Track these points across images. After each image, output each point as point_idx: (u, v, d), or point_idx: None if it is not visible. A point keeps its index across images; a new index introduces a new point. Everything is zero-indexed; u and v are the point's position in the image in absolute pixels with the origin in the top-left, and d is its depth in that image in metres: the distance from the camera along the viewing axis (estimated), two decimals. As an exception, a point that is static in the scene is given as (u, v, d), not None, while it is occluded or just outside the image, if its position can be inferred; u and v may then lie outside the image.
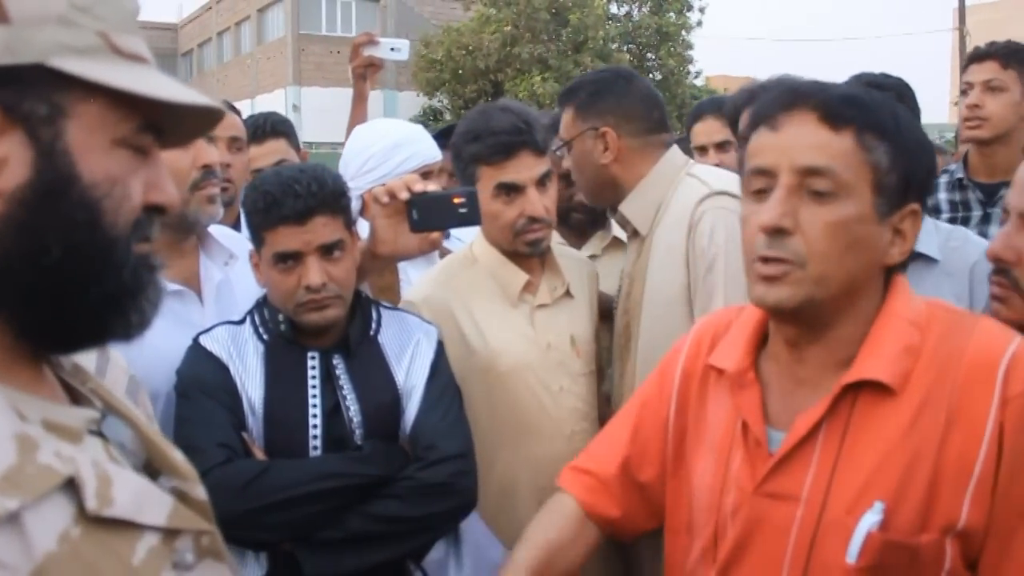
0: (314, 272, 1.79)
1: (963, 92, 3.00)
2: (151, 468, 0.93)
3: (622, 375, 2.20)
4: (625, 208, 2.22)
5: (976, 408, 1.17)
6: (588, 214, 2.89)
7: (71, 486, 0.77)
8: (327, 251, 1.81)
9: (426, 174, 2.45)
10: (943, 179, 3.06)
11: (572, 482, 1.58)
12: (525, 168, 2.09)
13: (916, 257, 2.10)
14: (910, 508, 1.17)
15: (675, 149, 2.26)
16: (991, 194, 2.89)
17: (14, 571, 0.71)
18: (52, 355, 0.90)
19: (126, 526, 0.81)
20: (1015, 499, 1.16)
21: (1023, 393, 1.16)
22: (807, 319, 1.27)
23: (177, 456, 0.97)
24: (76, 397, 0.92)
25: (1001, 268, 1.61)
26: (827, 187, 1.20)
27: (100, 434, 0.88)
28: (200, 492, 0.95)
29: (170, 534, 0.86)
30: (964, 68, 3.07)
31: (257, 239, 1.85)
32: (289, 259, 1.80)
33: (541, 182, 2.12)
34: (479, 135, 2.11)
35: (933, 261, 2.15)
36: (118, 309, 0.85)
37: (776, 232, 1.22)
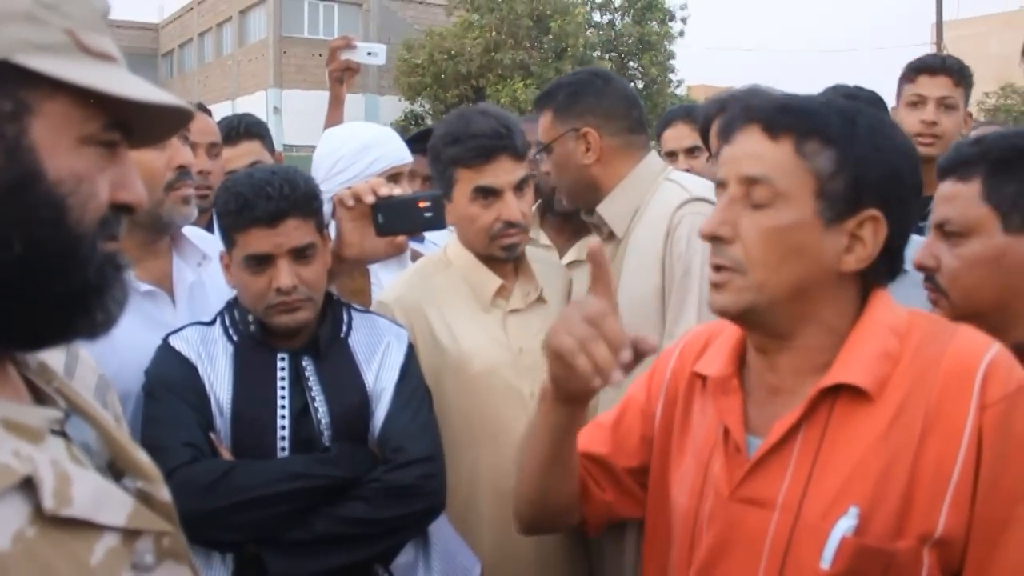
0: (285, 275, 1.79)
1: (912, 104, 2.93)
2: (115, 469, 0.93)
3: None
4: (603, 209, 2.22)
5: (954, 414, 1.18)
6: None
7: (28, 486, 0.77)
8: (298, 254, 1.81)
9: (395, 176, 2.47)
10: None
11: None
12: (504, 172, 2.10)
13: None
14: (886, 514, 1.17)
15: (653, 153, 2.28)
16: (924, 207, 2.90)
17: None
18: (15, 353, 0.90)
19: (85, 526, 0.81)
20: (995, 507, 1.16)
21: (1002, 399, 1.17)
22: (763, 325, 1.29)
23: (142, 457, 0.96)
24: (40, 396, 0.91)
25: (928, 276, 1.68)
26: (764, 196, 1.24)
27: (63, 434, 0.87)
28: (164, 494, 0.95)
29: (130, 535, 0.85)
30: (910, 77, 2.98)
31: (228, 240, 1.84)
32: (260, 261, 1.80)
33: (519, 187, 2.13)
34: (458, 138, 2.11)
35: (904, 272, 2.18)
36: (83, 307, 0.85)
37: (714, 239, 1.27)
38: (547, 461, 1.42)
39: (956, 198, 1.62)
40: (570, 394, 1.30)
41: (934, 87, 2.89)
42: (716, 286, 1.28)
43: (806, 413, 1.24)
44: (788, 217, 1.23)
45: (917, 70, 2.95)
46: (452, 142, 2.12)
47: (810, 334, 1.27)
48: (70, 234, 0.82)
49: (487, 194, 2.10)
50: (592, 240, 1.39)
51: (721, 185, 1.30)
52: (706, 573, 1.30)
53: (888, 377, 1.22)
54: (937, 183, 1.70)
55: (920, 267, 1.68)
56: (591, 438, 1.54)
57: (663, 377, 1.52)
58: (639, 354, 1.22)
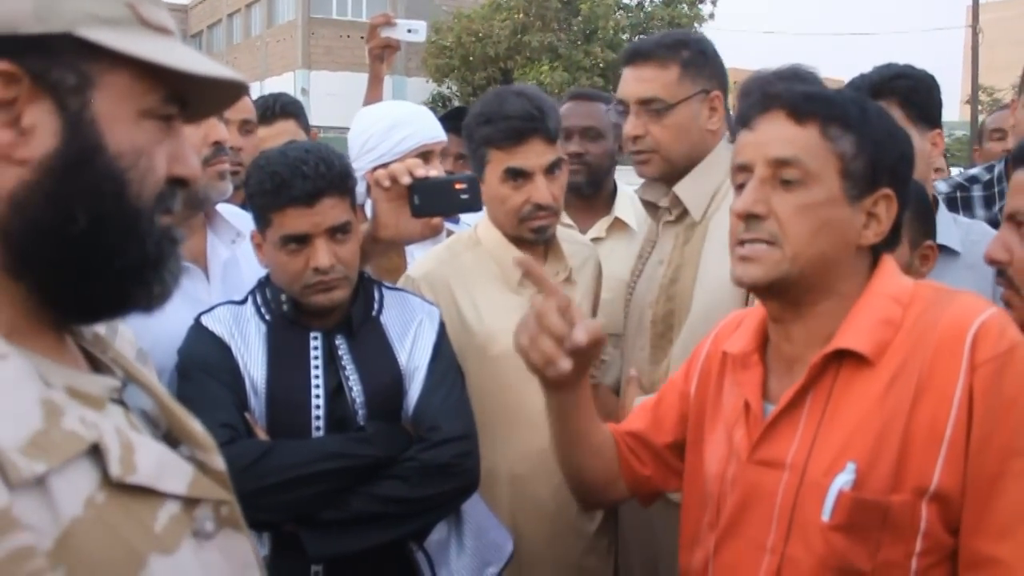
0: (323, 254, 1.78)
1: None
2: (170, 437, 0.94)
3: (657, 362, 2.13)
4: (680, 190, 2.14)
5: (946, 375, 1.24)
6: (584, 166, 2.87)
7: (95, 452, 0.78)
8: (334, 233, 1.80)
9: (426, 154, 2.45)
10: (977, 193, 2.82)
11: (614, 430, 1.66)
12: (535, 155, 2.08)
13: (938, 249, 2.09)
14: (882, 469, 1.25)
15: (726, 137, 2.16)
16: None
17: (41, 534, 0.71)
18: (74, 324, 0.91)
19: (148, 493, 0.82)
20: (988, 462, 1.22)
21: (992, 359, 1.23)
22: (785, 295, 1.37)
23: (196, 426, 0.97)
24: (97, 366, 0.92)
25: (1000, 270, 1.67)
26: (795, 175, 1.32)
27: (121, 402, 0.89)
28: (219, 462, 0.96)
29: (190, 503, 0.86)
30: None
31: (262, 220, 1.83)
32: (298, 241, 1.79)
33: (550, 170, 2.11)
34: (491, 118, 2.09)
35: (955, 254, 2.15)
36: (141, 280, 0.86)
37: (750, 217, 1.35)
38: (564, 442, 1.58)
39: None
40: (549, 383, 1.44)
41: None
42: (746, 259, 1.36)
43: (812, 378, 1.33)
44: (819, 195, 1.32)
45: None
46: (485, 122, 2.11)
47: (823, 302, 1.36)
48: (131, 207, 0.83)
49: (517, 176, 2.09)
50: (519, 256, 1.47)
51: (742, 168, 1.38)
52: (730, 532, 1.40)
53: (889, 343, 1.30)
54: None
55: (991, 261, 1.67)
56: (634, 418, 1.67)
57: (699, 359, 1.61)
58: (594, 341, 1.36)
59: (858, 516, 1.24)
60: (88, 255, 0.82)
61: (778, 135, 1.34)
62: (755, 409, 1.39)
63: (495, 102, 2.14)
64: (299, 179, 1.76)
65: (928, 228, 1.98)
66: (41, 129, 0.78)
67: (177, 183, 0.88)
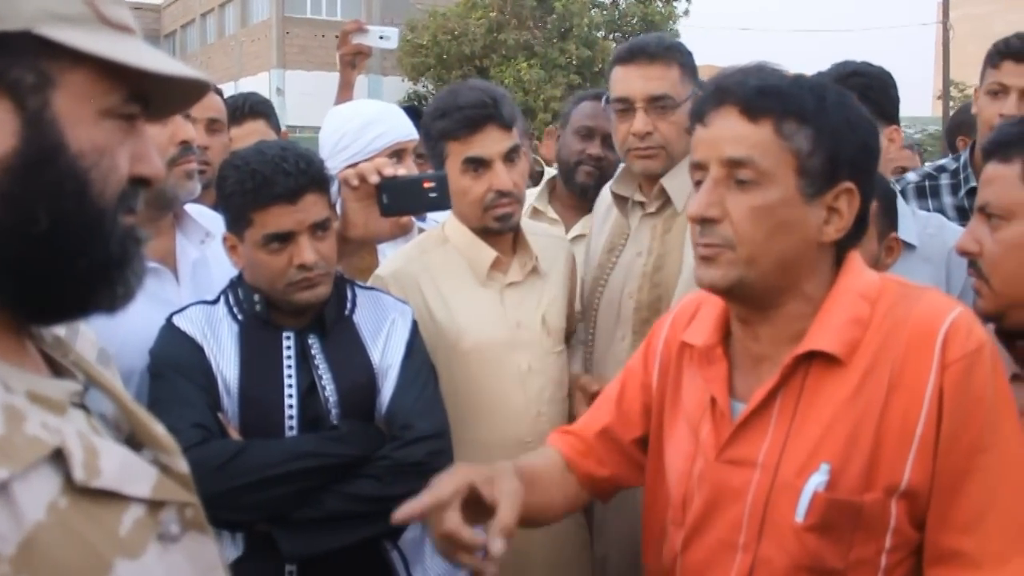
0: (308, 251, 1.78)
1: (993, 93, 2.59)
2: (133, 441, 0.93)
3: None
4: (667, 181, 2.20)
5: (916, 374, 1.25)
6: (598, 171, 2.89)
7: (58, 457, 0.77)
8: (316, 229, 1.80)
9: (399, 153, 2.48)
10: (944, 180, 2.81)
11: (556, 440, 1.65)
12: (492, 142, 2.09)
13: None
14: (854, 469, 1.25)
15: None
16: None
17: (3, 539, 0.71)
18: (35, 326, 0.90)
19: (112, 497, 0.81)
20: (956, 459, 1.23)
21: (961, 358, 1.23)
22: (748, 298, 1.34)
23: (159, 429, 0.96)
24: (58, 369, 0.92)
25: (971, 261, 1.67)
26: (749, 176, 1.29)
27: (83, 406, 0.88)
28: (182, 465, 0.95)
29: (155, 506, 0.86)
30: (993, 63, 2.60)
31: (241, 220, 1.80)
32: (282, 239, 1.78)
33: (509, 157, 2.11)
34: (446, 111, 2.11)
35: (911, 247, 2.18)
36: (105, 280, 0.85)
37: (703, 221, 1.32)
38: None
39: (996, 180, 1.62)
40: None
41: (1020, 76, 2.54)
42: (705, 259, 1.33)
43: (783, 379, 1.32)
44: (773, 195, 1.29)
45: (1002, 55, 2.60)
46: (440, 116, 2.12)
47: (790, 303, 1.34)
48: (93, 207, 0.82)
49: (477, 165, 2.09)
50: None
51: (697, 167, 1.35)
52: (697, 531, 1.39)
53: (858, 341, 1.29)
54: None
55: (962, 252, 1.68)
56: (599, 412, 1.64)
57: (656, 347, 1.59)
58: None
59: (832, 516, 1.24)
60: (50, 256, 0.81)
61: (731, 133, 1.30)
62: (722, 407, 1.38)
63: (448, 96, 2.16)
64: (281, 176, 1.75)
65: (893, 220, 2.00)
66: (0, 128, 0.77)
67: (140, 183, 0.88)
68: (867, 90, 2.24)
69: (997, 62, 2.60)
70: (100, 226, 0.83)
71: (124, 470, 0.83)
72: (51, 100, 0.79)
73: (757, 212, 1.28)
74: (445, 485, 1.28)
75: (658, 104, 2.18)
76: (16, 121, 0.78)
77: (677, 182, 2.18)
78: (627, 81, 2.22)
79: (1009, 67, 2.57)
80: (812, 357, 1.31)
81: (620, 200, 2.34)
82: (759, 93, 1.30)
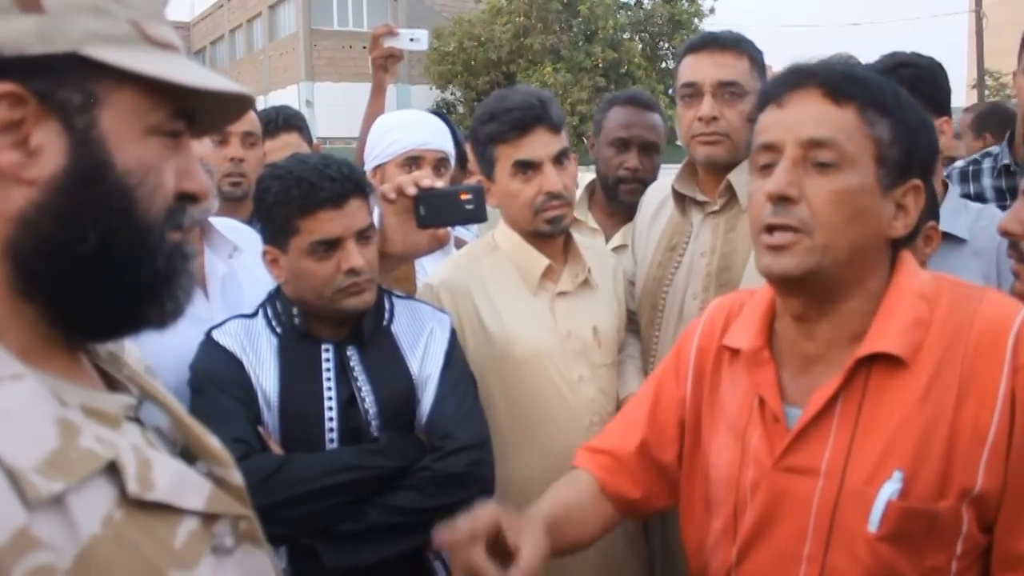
0: (356, 255, 1.78)
1: None
2: (187, 454, 0.94)
3: None
4: (735, 177, 2.19)
5: (988, 377, 1.21)
6: (640, 184, 2.85)
7: (112, 470, 0.78)
8: (361, 235, 1.81)
9: (415, 160, 2.52)
10: (986, 164, 2.84)
11: (588, 461, 1.59)
12: (541, 145, 2.09)
13: (944, 237, 2.07)
14: (928, 475, 1.21)
15: None
16: None
17: (60, 552, 0.72)
18: (88, 343, 0.91)
19: (166, 510, 0.82)
20: None
21: None
22: (814, 290, 1.29)
23: (213, 442, 0.98)
24: (112, 384, 0.93)
25: (1013, 243, 1.63)
26: (831, 158, 1.24)
27: (137, 420, 0.89)
28: (236, 477, 0.96)
29: (209, 519, 0.87)
30: None
31: (287, 229, 1.79)
32: (329, 246, 1.78)
33: (558, 159, 2.11)
34: (495, 115, 2.11)
35: (961, 241, 2.14)
36: (153, 297, 0.86)
37: (781, 200, 1.26)
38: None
39: None
40: None
41: None
42: (777, 248, 1.27)
43: (844, 382, 1.27)
44: (855, 180, 1.25)
45: None
46: (488, 120, 2.12)
47: (851, 299, 1.30)
48: (140, 224, 0.83)
49: (527, 168, 2.09)
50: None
51: (767, 148, 1.30)
52: (754, 542, 1.34)
53: (921, 343, 1.25)
54: None
55: (1004, 232, 1.64)
56: (629, 433, 1.57)
57: (688, 356, 1.54)
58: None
59: (906, 525, 1.20)
60: (99, 273, 0.82)
61: (813, 114, 1.26)
62: (775, 411, 1.33)
63: (496, 100, 2.16)
64: (327, 181, 1.76)
65: (932, 210, 1.96)
66: (48, 149, 0.78)
67: (187, 199, 0.89)
68: (917, 81, 2.20)
69: None
70: (147, 242, 0.84)
71: (178, 483, 0.84)
72: (98, 119, 0.80)
73: (838, 196, 1.24)
74: (479, 518, 1.25)
75: (727, 90, 2.17)
76: (64, 141, 0.79)
77: (744, 178, 2.14)
78: (697, 67, 2.22)
79: None
80: (873, 359, 1.26)
81: (680, 198, 2.33)
82: (845, 77, 1.27)
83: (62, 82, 0.79)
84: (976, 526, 1.22)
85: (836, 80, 1.27)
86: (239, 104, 0.92)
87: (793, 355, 1.36)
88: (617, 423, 1.64)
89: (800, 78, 1.29)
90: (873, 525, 1.21)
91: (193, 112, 0.88)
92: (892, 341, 1.25)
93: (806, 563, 1.27)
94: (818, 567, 1.26)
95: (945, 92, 2.34)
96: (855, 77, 1.28)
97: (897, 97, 1.28)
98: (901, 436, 1.22)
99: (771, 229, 1.27)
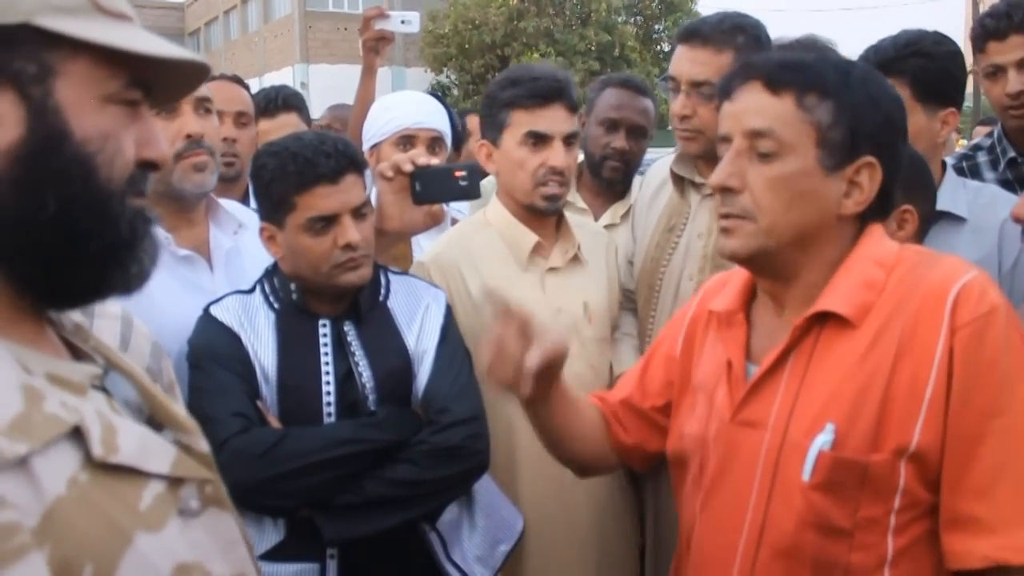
0: (352, 231, 1.80)
1: (991, 76, 2.50)
2: (154, 422, 0.96)
3: None
4: None
5: (927, 337, 1.26)
6: (624, 164, 2.92)
7: (77, 435, 0.80)
8: (357, 212, 1.83)
9: (409, 139, 2.55)
10: (981, 158, 2.75)
11: (593, 399, 1.71)
12: (557, 120, 2.11)
13: (943, 216, 2.09)
14: (861, 429, 1.26)
15: None
16: None
17: (25, 512, 0.73)
18: (54, 311, 0.92)
19: (132, 473, 0.84)
20: (968, 423, 1.24)
21: (971, 322, 1.24)
22: (769, 267, 1.38)
23: (179, 410, 0.99)
24: (78, 354, 0.94)
25: None
26: (770, 147, 1.32)
27: (103, 389, 0.90)
28: (202, 444, 0.98)
29: (175, 482, 0.88)
30: (979, 47, 2.53)
31: (283, 206, 1.81)
32: (326, 222, 1.80)
33: (568, 140, 2.14)
34: (518, 81, 2.13)
35: (961, 220, 2.14)
36: (117, 261, 0.88)
37: (724, 191, 1.36)
38: (547, 438, 1.62)
39: None
40: (520, 397, 1.46)
41: (1007, 51, 2.46)
42: (725, 231, 1.37)
43: (794, 340, 1.35)
44: (792, 166, 1.32)
45: (983, 38, 2.51)
46: (511, 84, 2.14)
47: (809, 271, 1.37)
48: (101, 191, 0.84)
49: (537, 139, 2.11)
50: (489, 287, 1.50)
51: (724, 140, 1.38)
52: (713, 493, 1.42)
53: (871, 305, 1.31)
54: None
55: (1017, 219, 1.64)
56: (622, 385, 1.70)
57: (683, 322, 1.63)
58: (551, 360, 1.40)
59: (837, 475, 1.26)
60: (61, 240, 0.83)
61: (753, 105, 1.34)
62: (737, 369, 1.41)
63: (522, 69, 2.20)
64: (323, 157, 1.78)
65: (911, 193, 1.95)
66: (5, 119, 0.80)
67: (148, 166, 0.90)
68: (923, 72, 2.17)
69: (982, 46, 2.55)
70: (108, 209, 0.85)
71: (143, 447, 0.86)
72: (53, 89, 0.82)
73: (776, 183, 1.32)
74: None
75: (700, 89, 2.19)
76: (21, 111, 0.80)
77: None
78: (678, 60, 2.25)
79: (995, 47, 2.50)
80: (825, 320, 1.33)
81: (678, 180, 2.35)
82: (781, 67, 1.34)
83: (16, 53, 0.80)
84: (917, 483, 1.26)
85: (774, 71, 1.34)
86: (196, 73, 0.93)
87: (764, 318, 1.44)
88: (617, 384, 1.75)
89: (745, 71, 1.37)
90: (806, 474, 1.27)
91: (150, 81, 0.90)
92: (838, 301, 1.31)
93: (751, 511, 1.34)
94: (761, 515, 1.33)
95: (955, 82, 2.29)
96: (792, 65, 1.34)
97: (844, 77, 1.33)
98: (840, 392, 1.28)
99: (723, 215, 1.37)
